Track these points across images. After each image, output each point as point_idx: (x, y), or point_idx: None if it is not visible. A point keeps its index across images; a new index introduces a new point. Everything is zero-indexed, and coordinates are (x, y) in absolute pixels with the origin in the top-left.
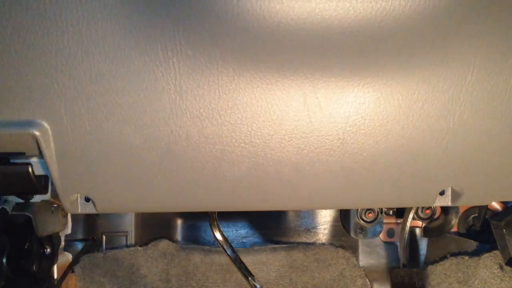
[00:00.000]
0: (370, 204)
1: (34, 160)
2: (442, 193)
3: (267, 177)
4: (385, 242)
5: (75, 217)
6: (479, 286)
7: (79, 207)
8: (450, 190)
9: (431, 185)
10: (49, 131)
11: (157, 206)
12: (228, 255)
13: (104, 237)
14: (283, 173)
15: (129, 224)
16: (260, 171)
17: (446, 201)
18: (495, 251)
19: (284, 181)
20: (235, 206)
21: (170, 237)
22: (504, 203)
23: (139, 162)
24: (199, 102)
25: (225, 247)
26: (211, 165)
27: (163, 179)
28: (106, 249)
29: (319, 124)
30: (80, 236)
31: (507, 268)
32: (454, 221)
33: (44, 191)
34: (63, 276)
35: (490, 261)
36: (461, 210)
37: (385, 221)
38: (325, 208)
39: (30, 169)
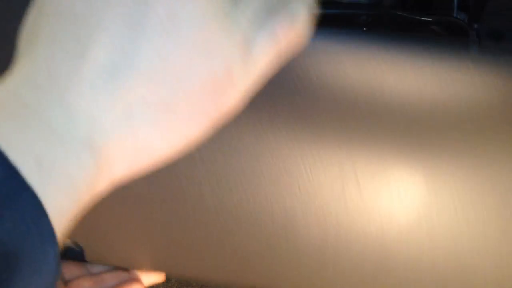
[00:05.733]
0: None
1: None
2: None
3: (281, 258)
4: None
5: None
6: None
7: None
8: None
9: None
10: None
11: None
12: None
13: None
14: (303, 259)
15: None
16: (273, 252)
17: None
18: None
19: (303, 269)
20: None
21: None
22: None
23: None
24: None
25: None
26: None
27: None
28: None
29: (356, 213)
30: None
31: None
32: None
33: None
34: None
35: None
36: None
37: None
38: None
39: None
